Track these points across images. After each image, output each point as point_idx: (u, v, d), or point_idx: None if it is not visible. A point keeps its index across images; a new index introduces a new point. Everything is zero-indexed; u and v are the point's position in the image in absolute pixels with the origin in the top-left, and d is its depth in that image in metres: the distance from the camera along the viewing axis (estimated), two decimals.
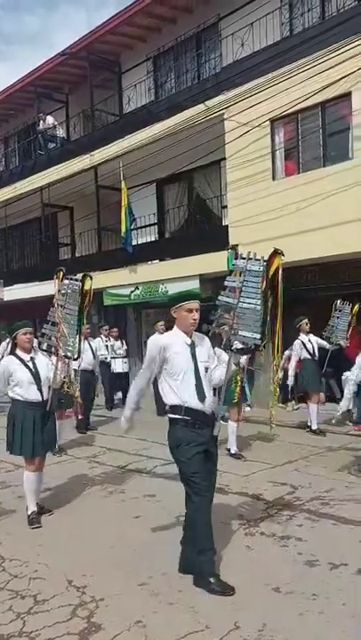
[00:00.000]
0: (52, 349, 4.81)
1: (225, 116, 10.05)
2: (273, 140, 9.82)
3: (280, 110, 9.19)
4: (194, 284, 11.19)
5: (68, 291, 4.80)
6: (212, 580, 3.33)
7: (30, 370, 4.61)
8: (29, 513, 4.60)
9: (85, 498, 5.35)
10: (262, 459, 6.51)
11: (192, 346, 3.54)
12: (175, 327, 3.60)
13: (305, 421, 8.32)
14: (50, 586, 3.45)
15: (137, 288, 12.47)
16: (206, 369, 3.56)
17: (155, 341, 3.55)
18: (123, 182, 11.89)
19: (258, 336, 3.69)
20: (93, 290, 14.58)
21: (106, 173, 12.53)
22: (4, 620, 3.09)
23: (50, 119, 14.81)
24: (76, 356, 4.79)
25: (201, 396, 3.46)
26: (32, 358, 4.69)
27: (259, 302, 3.74)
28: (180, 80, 12.49)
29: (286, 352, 10.41)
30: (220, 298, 3.84)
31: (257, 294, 3.76)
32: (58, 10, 64.68)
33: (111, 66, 13.68)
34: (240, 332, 3.73)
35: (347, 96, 8.69)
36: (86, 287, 4.81)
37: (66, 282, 4.84)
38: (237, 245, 3.72)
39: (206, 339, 3.70)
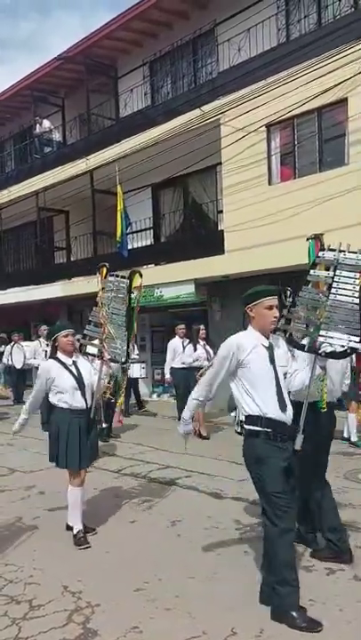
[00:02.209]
0: (97, 352, 4.43)
1: (221, 121, 10.08)
2: (269, 145, 9.86)
3: (276, 116, 9.24)
4: (189, 289, 11.20)
5: (114, 288, 4.40)
6: (295, 614, 2.95)
7: (74, 375, 4.29)
8: (75, 532, 4.22)
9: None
10: None
11: (270, 348, 3.15)
12: (250, 327, 3.21)
13: None
14: (45, 591, 3.42)
15: (132, 292, 12.44)
16: (284, 374, 3.22)
17: (228, 341, 3.15)
18: (119, 186, 11.90)
19: (357, 338, 3.27)
20: (91, 293, 14.53)
21: (101, 177, 12.54)
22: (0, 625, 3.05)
23: (46, 123, 14.82)
24: (123, 360, 4.36)
25: (282, 406, 3.09)
26: (74, 362, 4.36)
27: (356, 300, 3.31)
28: (176, 85, 12.54)
29: None
30: (302, 293, 3.45)
31: (354, 291, 3.33)
32: (52, 15, 64.88)
33: (107, 70, 13.72)
34: (330, 333, 3.33)
35: (343, 102, 8.75)
36: (135, 284, 4.40)
37: (111, 279, 4.43)
38: (322, 234, 3.05)
39: (281, 340, 3.33)
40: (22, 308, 15.42)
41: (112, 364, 4.41)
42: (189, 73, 12.19)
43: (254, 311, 3.18)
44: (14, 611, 3.19)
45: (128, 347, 4.35)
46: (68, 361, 4.34)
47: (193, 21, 11.78)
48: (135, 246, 12.96)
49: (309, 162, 9.57)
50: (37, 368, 9.11)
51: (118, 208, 12.08)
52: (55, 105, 15.26)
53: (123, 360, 4.34)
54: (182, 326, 9.29)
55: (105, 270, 4.45)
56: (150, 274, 12.33)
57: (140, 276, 4.45)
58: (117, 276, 4.41)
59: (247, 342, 3.11)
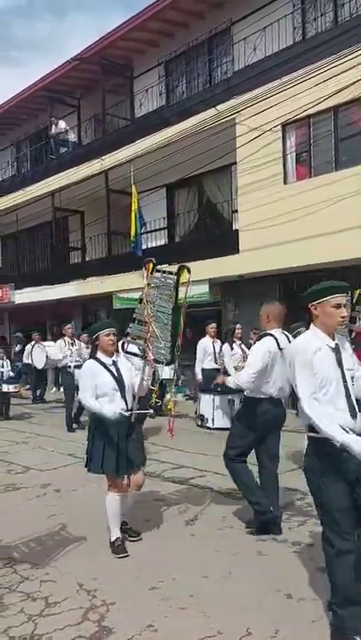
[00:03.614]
0: (140, 352, 4.24)
1: (236, 121, 10.06)
2: (284, 144, 9.82)
3: (292, 115, 9.20)
4: (203, 289, 11.19)
5: (161, 285, 4.13)
6: (357, 638, 2.76)
7: (114, 375, 4.07)
8: (113, 540, 4.03)
9: (94, 499, 5.30)
10: None
11: (337, 350, 2.89)
12: (313, 326, 2.95)
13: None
14: (61, 588, 3.44)
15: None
16: (352, 378, 2.97)
17: (305, 342, 2.89)
18: (133, 187, 11.93)
19: None
20: (105, 293, 14.58)
21: (116, 178, 12.59)
22: (16, 622, 3.08)
23: (62, 124, 14.92)
24: (168, 361, 4.17)
25: (352, 412, 2.83)
26: (115, 362, 4.13)
27: None
28: (191, 85, 12.54)
29: None
30: None
31: None
32: (67, 16, 65.25)
33: (123, 71, 13.78)
34: None
35: (359, 100, 8.69)
36: (182, 280, 4.14)
37: (157, 275, 4.16)
38: None
39: (347, 340, 3.08)
40: (37, 307, 15.55)
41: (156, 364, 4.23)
42: (205, 72, 12.19)
43: (319, 309, 2.91)
44: (30, 607, 3.22)
45: (174, 347, 4.15)
46: (108, 361, 4.12)
47: (208, 21, 11.77)
48: (149, 246, 12.99)
49: (325, 161, 9.51)
50: (65, 368, 9.20)
51: (133, 208, 12.12)
52: (71, 105, 15.36)
53: (167, 361, 4.15)
54: (214, 325, 9.02)
55: (151, 266, 4.17)
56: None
57: (189, 271, 4.18)
58: (164, 271, 4.17)
59: (312, 344, 2.86)
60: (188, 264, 11.55)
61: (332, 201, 8.81)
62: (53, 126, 14.90)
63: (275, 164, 9.82)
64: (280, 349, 4.26)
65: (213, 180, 12.29)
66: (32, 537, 4.33)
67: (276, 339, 4.29)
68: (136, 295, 12.54)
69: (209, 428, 8.62)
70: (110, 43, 12.86)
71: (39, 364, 11.87)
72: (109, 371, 4.08)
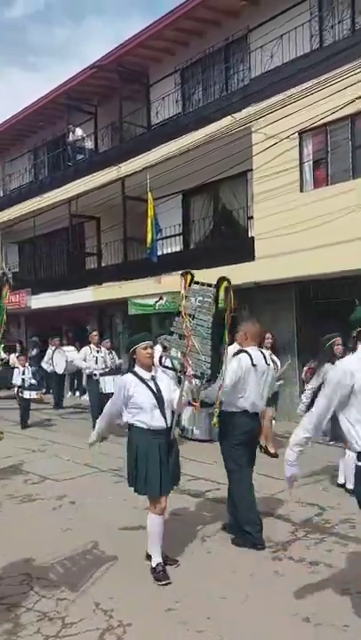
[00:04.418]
0: (179, 367, 4.10)
1: (253, 129, 10.02)
2: (301, 152, 9.76)
3: (309, 122, 9.13)
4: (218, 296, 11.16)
5: (199, 298, 4.04)
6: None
7: (153, 391, 3.92)
8: (155, 565, 3.86)
9: (109, 511, 5.31)
10: None
11: None
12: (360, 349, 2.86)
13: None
14: (77, 608, 3.44)
15: (161, 298, 12.50)
16: None
17: (339, 367, 2.89)
18: (149, 194, 11.96)
19: None
20: (120, 299, 14.56)
21: (132, 185, 12.63)
22: None
23: (79, 131, 15.02)
24: (209, 377, 4.01)
25: None
26: (153, 377, 4.00)
27: None
28: (207, 92, 12.54)
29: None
30: None
31: None
32: (84, 21, 65.78)
33: (139, 78, 13.83)
34: None
35: None
36: (222, 293, 4.03)
37: (195, 287, 4.07)
38: None
39: None
40: (53, 312, 15.65)
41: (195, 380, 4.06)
42: (221, 80, 12.18)
43: None
44: (47, 628, 3.22)
45: (218, 362, 4.02)
46: (147, 375, 3.98)
47: (225, 28, 11.77)
48: (165, 252, 13.00)
49: (342, 169, 9.43)
50: (91, 375, 9.19)
51: (149, 215, 12.14)
52: (88, 113, 15.45)
53: (208, 378, 4.00)
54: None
55: (189, 278, 4.08)
56: (179, 280, 12.38)
57: (229, 283, 4.03)
58: (203, 283, 4.07)
59: (359, 367, 2.77)
60: (203, 271, 11.57)
61: (349, 209, 8.72)
62: (70, 134, 15.00)
63: (291, 172, 9.76)
64: (253, 365, 4.46)
65: (229, 186, 12.26)
66: (47, 552, 4.33)
67: (250, 355, 4.48)
68: (151, 301, 12.72)
69: (188, 439, 8.51)
70: (127, 51, 12.92)
71: (59, 369, 11.95)
72: (148, 386, 3.94)
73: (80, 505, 5.58)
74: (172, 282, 12.13)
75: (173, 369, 4.17)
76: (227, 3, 11.05)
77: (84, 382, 14.34)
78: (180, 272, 4.18)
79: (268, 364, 4.69)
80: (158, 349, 4.34)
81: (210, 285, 4.04)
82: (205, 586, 3.72)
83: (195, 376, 3.98)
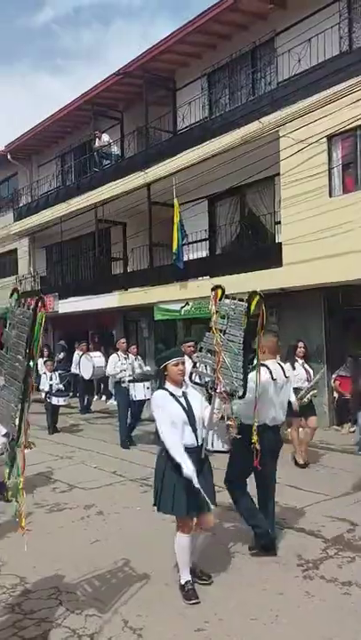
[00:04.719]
0: (208, 383, 4.04)
1: (280, 133, 9.91)
2: (330, 156, 9.59)
3: (338, 127, 8.99)
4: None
5: (230, 312, 3.99)
6: None
7: (183, 407, 3.85)
8: (183, 583, 3.80)
9: (137, 523, 5.29)
10: (317, 489, 6.29)
11: None
12: None
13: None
14: (106, 625, 3.42)
15: (187, 304, 12.46)
16: None
17: None
18: (175, 199, 11.94)
19: None
20: (146, 304, 14.51)
21: (159, 190, 12.63)
22: None
23: (105, 137, 15.10)
24: (241, 394, 3.93)
25: None
26: (184, 393, 3.93)
27: None
28: (234, 96, 12.47)
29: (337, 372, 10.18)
30: None
31: None
32: (112, 24, 66.37)
33: (166, 83, 13.84)
34: None
35: None
36: (255, 307, 3.96)
37: (227, 301, 4.02)
38: None
39: None
40: (78, 316, 15.76)
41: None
42: (248, 84, 12.09)
43: None
44: None
45: (246, 378, 3.95)
46: (178, 392, 3.91)
47: (252, 32, 11.69)
48: (190, 258, 12.96)
49: None
50: (119, 382, 9.13)
51: (175, 220, 12.12)
52: (114, 118, 15.54)
53: (239, 394, 3.93)
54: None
55: (220, 292, 4.00)
56: (205, 286, 12.32)
57: (261, 297, 3.97)
58: (234, 298, 4.01)
59: None
60: (230, 276, 11.48)
61: None
62: (97, 140, 15.10)
63: (320, 177, 9.61)
64: (273, 379, 4.48)
65: (256, 191, 12.15)
66: (76, 566, 4.33)
67: (269, 369, 4.48)
68: (177, 307, 12.68)
69: (208, 451, 8.41)
70: (153, 56, 12.93)
71: (87, 375, 12.02)
72: (179, 402, 3.87)
73: (108, 515, 5.58)
74: (197, 287, 12.13)
75: (203, 385, 4.10)
76: (254, 6, 10.97)
77: (109, 386, 14.45)
78: (211, 287, 4.09)
79: (288, 377, 4.74)
80: (189, 364, 4.27)
81: (241, 300, 3.99)
82: (235, 605, 3.67)
83: (225, 392, 3.89)
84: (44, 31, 67.14)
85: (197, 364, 4.23)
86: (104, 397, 14.74)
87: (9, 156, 19.41)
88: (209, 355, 4.03)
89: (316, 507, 5.68)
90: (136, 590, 3.90)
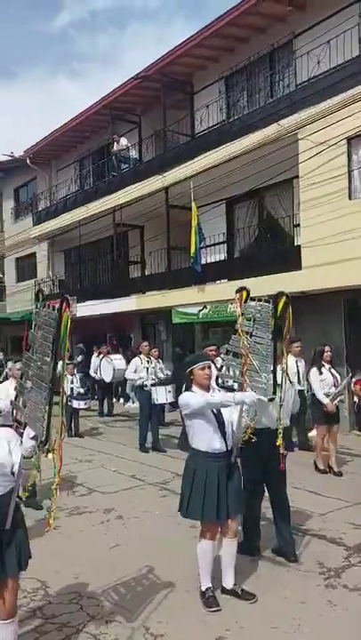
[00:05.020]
0: (237, 386, 4.00)
1: (299, 136, 9.86)
2: (350, 158, 9.51)
3: (358, 129, 8.91)
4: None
5: (257, 315, 3.95)
6: None
7: (212, 412, 3.80)
8: (204, 590, 3.75)
9: (157, 527, 5.29)
10: (338, 495, 6.21)
11: None
12: None
13: None
14: (127, 631, 3.41)
15: (205, 307, 12.45)
16: None
17: None
18: (193, 203, 11.94)
19: None
20: (164, 307, 14.47)
21: (176, 193, 12.65)
22: None
23: (123, 141, 15.17)
24: (271, 397, 3.92)
25: None
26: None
27: None
28: (252, 99, 12.43)
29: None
30: None
31: None
32: (128, 27, 66.78)
33: (183, 86, 13.86)
34: None
35: None
36: (282, 309, 3.92)
37: (252, 303, 3.99)
38: None
39: None
40: (96, 319, 15.84)
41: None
42: (266, 87, 12.05)
43: None
44: None
45: (277, 380, 3.95)
46: (205, 396, 3.86)
47: (270, 35, 11.64)
48: (208, 261, 12.95)
49: None
50: (142, 387, 9.08)
51: (193, 224, 12.12)
52: (132, 122, 15.61)
53: (270, 397, 3.90)
54: (298, 344, 8.18)
55: (245, 294, 3.96)
56: (223, 289, 12.32)
57: (288, 297, 3.95)
58: (260, 300, 3.98)
59: None
60: (248, 280, 11.46)
61: None
62: (115, 143, 15.18)
63: (339, 179, 9.52)
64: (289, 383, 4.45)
65: (274, 194, 12.10)
66: (97, 570, 4.34)
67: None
68: (195, 310, 12.66)
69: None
70: (171, 60, 12.96)
71: (107, 378, 12.06)
72: None
73: (127, 519, 5.58)
74: (215, 290, 12.11)
75: (231, 389, 4.04)
76: (272, 9, 10.92)
77: (127, 389, 14.50)
78: (236, 289, 4.06)
79: (292, 382, 4.75)
80: (213, 368, 4.25)
81: (267, 302, 3.95)
82: (256, 613, 3.64)
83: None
84: (61, 36, 67.84)
85: (224, 368, 4.19)
86: (122, 400, 14.79)
87: (28, 161, 19.62)
88: (236, 358, 3.98)
89: (337, 513, 5.61)
90: (157, 596, 3.89)
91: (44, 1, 60.77)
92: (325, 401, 7.05)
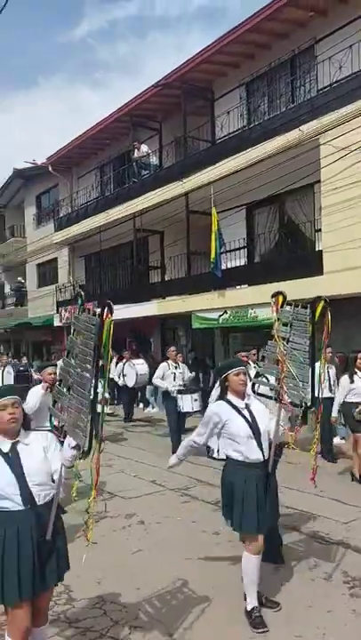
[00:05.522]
0: (273, 394, 3.89)
1: (321, 141, 9.82)
2: None
3: None
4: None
5: (293, 320, 3.85)
6: None
7: (247, 420, 3.68)
8: (250, 609, 3.60)
9: (179, 534, 5.27)
10: None
11: None
12: None
13: None
14: (150, 637, 3.41)
15: (225, 312, 12.44)
16: None
17: None
18: (213, 208, 11.96)
19: None
20: (184, 312, 14.42)
21: (197, 199, 12.68)
22: None
23: (144, 147, 15.28)
24: (308, 404, 3.82)
25: None
26: (247, 405, 3.76)
27: None
28: (273, 105, 12.42)
29: None
30: None
31: None
32: (148, 36, 67.39)
33: (204, 93, 13.92)
34: None
35: None
36: (319, 314, 3.85)
37: (287, 308, 3.88)
38: None
39: None
40: (117, 324, 15.70)
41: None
42: (287, 92, 12.04)
43: None
44: None
45: (314, 388, 3.89)
46: (241, 404, 3.74)
47: (291, 40, 11.64)
48: (228, 266, 12.94)
49: None
50: (166, 392, 8.93)
51: (213, 229, 12.14)
52: (152, 129, 15.72)
53: (307, 405, 3.80)
54: (329, 350, 7.82)
55: (281, 299, 3.84)
56: (244, 294, 12.31)
57: (326, 302, 3.87)
58: (297, 305, 3.88)
59: None
60: (269, 285, 11.36)
61: None
62: (136, 150, 15.30)
63: None
64: None
65: (295, 199, 12.06)
66: (119, 575, 4.35)
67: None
68: (215, 315, 12.64)
69: (215, 459, 8.25)
70: (192, 67, 13.04)
71: (130, 383, 12.09)
72: (242, 415, 3.70)
73: (149, 525, 5.58)
74: (236, 296, 12.09)
75: (268, 397, 3.95)
76: (294, 14, 10.93)
77: (147, 394, 14.52)
78: (272, 293, 3.94)
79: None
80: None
81: (305, 307, 3.88)
82: (280, 621, 3.60)
83: (292, 404, 3.71)
84: (81, 45, 68.75)
85: (260, 374, 4.12)
86: (141, 405, 14.82)
87: (50, 168, 19.89)
88: (272, 364, 3.88)
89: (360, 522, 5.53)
90: (181, 604, 3.88)
91: (64, 11, 61.70)
92: (335, 414, 6.98)
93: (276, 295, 3.86)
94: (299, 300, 11.21)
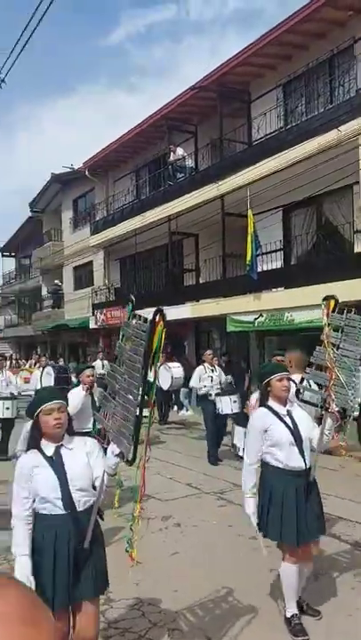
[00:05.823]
0: (320, 402, 3.79)
1: (360, 141, 9.65)
2: None
3: None
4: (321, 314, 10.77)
5: (345, 326, 3.71)
6: None
7: (289, 427, 3.57)
8: (289, 616, 3.53)
9: (214, 538, 5.26)
10: None
11: None
12: None
13: None
14: None
15: (261, 315, 12.33)
16: None
17: None
18: (249, 210, 11.90)
19: None
20: (219, 315, 14.40)
21: (232, 201, 12.64)
22: None
23: (180, 150, 15.34)
24: (356, 413, 3.68)
25: None
26: (289, 412, 3.65)
27: None
28: (310, 105, 12.29)
29: None
30: None
31: None
32: (183, 41, 67.73)
33: (240, 95, 13.88)
34: None
35: None
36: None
37: (337, 314, 3.72)
38: None
39: None
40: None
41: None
42: (325, 93, 11.88)
43: None
44: None
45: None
46: (282, 410, 3.64)
47: (329, 40, 11.49)
48: (264, 269, 12.84)
49: None
50: (206, 396, 8.90)
51: (249, 231, 12.06)
52: (188, 132, 15.76)
53: (356, 413, 3.66)
54: None
55: (333, 303, 3.67)
56: (280, 297, 12.19)
57: (337, 301, 3.72)
58: (349, 310, 3.74)
59: None
60: (306, 287, 11.22)
61: None
62: (172, 153, 15.37)
63: None
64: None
65: (333, 200, 11.88)
66: (156, 576, 4.35)
67: (295, 384, 4.27)
68: (250, 318, 12.56)
69: (241, 457, 8.12)
70: (228, 70, 13.03)
71: (165, 385, 12.13)
72: (284, 421, 3.59)
73: (185, 528, 5.58)
74: (272, 299, 11.98)
75: (314, 404, 3.86)
76: (332, 14, 10.80)
77: (181, 397, 14.54)
78: (323, 297, 3.78)
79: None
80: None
81: (357, 313, 3.76)
82: (321, 630, 3.54)
83: (339, 412, 3.58)
84: (118, 50, 69.61)
85: (305, 381, 4.04)
86: (175, 408, 14.84)
87: (87, 173, 20.19)
88: (319, 371, 3.76)
89: None
90: (218, 607, 3.86)
91: (100, 17, 62.61)
92: None
93: (327, 299, 3.71)
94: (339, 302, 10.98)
